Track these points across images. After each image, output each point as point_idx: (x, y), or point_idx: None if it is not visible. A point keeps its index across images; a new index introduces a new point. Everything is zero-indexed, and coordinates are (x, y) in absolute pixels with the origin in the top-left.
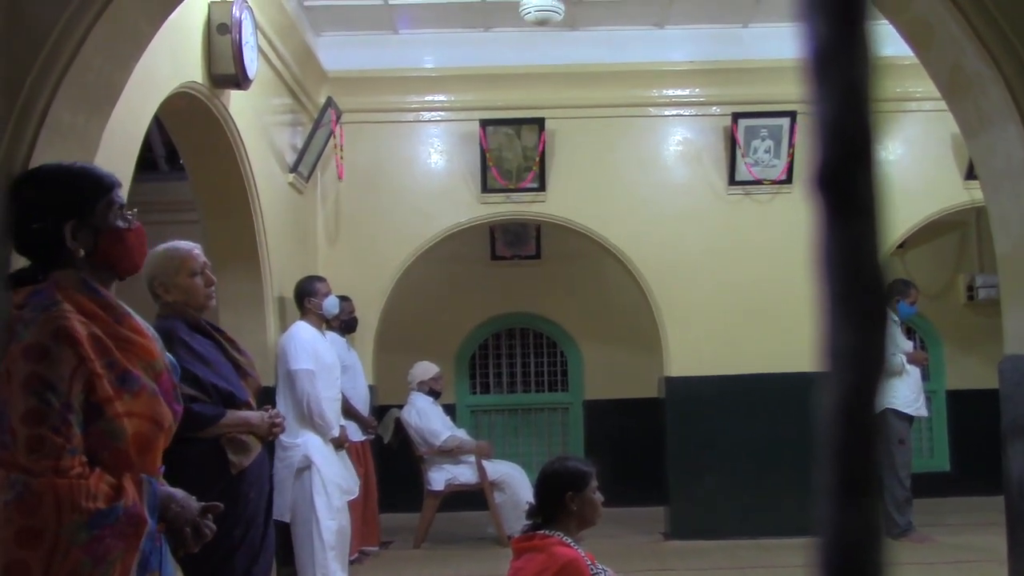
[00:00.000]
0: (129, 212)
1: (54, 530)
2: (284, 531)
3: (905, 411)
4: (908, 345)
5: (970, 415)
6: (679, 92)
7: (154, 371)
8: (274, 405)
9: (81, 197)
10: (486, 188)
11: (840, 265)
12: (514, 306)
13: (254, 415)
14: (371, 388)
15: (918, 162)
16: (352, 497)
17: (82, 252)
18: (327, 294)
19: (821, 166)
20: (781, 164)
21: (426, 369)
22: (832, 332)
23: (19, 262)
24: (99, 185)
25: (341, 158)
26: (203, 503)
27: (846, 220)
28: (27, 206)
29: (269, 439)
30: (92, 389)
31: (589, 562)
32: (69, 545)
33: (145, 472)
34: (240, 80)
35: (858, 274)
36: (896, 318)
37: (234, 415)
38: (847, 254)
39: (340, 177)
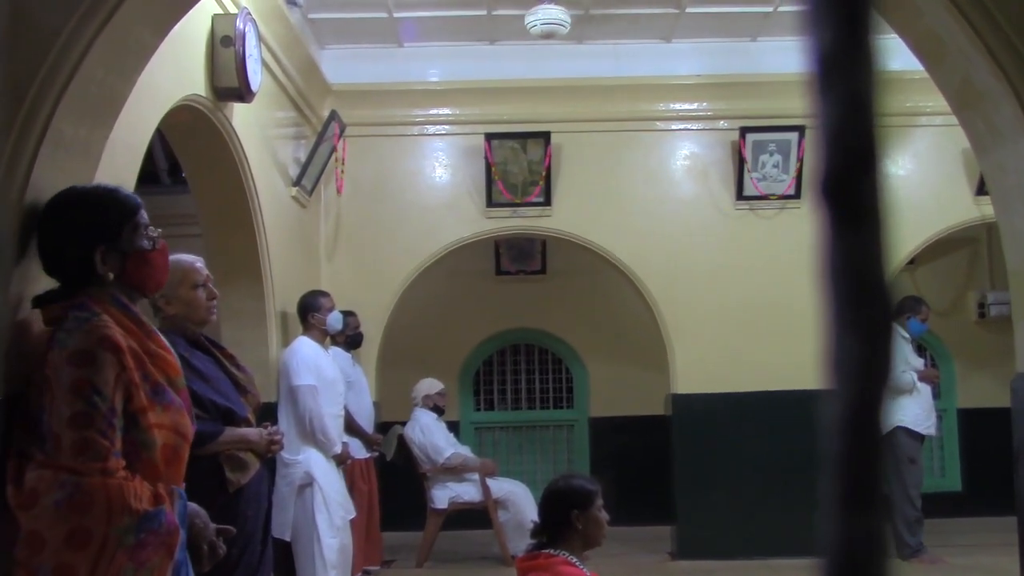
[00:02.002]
0: (153, 230)
1: (104, 531)
2: (285, 549)
3: (916, 429)
4: (919, 363)
5: (981, 434)
6: (686, 106)
7: (176, 388)
8: (276, 421)
9: (109, 223)
10: (491, 202)
11: (844, 275)
12: (519, 322)
13: (252, 432)
14: (375, 404)
15: (928, 177)
16: (349, 517)
17: (111, 276)
18: (331, 309)
19: (825, 176)
20: (789, 179)
21: (430, 385)
22: (837, 342)
23: (33, 278)
24: (125, 209)
25: (342, 172)
26: (217, 526)
27: (851, 229)
28: (56, 232)
29: (268, 456)
30: (129, 398)
31: None
32: (116, 548)
33: (172, 484)
34: (243, 93)
35: (863, 284)
36: (907, 335)
37: (232, 432)
38: (852, 264)
39: (339, 192)
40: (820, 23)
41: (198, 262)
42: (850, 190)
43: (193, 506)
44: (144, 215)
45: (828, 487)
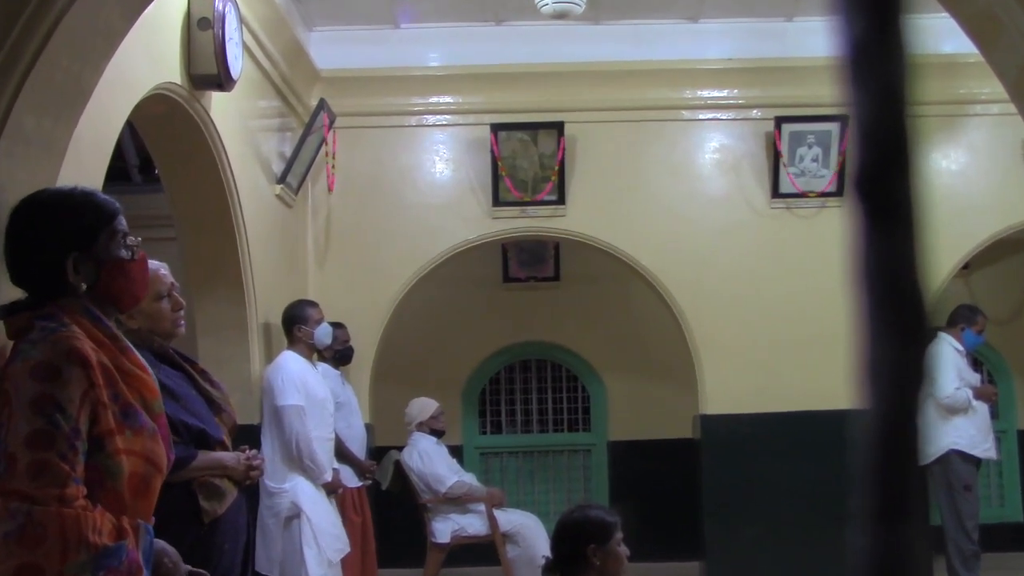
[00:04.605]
0: (132, 238)
1: (57, 568)
2: None
3: (971, 453)
4: (975, 379)
5: None
6: (715, 93)
7: (153, 412)
8: (258, 445)
9: (83, 228)
10: (498, 201)
11: (878, 276)
12: (529, 335)
13: (229, 456)
14: (368, 427)
15: (984, 172)
16: (344, 552)
17: (84, 286)
18: (319, 321)
19: (857, 171)
20: (829, 174)
21: (424, 406)
22: (870, 348)
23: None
24: (101, 213)
25: (333, 168)
26: (190, 568)
27: (884, 227)
28: (26, 238)
29: (246, 483)
30: (96, 419)
31: None
32: None
33: (139, 518)
34: (223, 80)
35: (897, 285)
36: (961, 348)
37: (207, 456)
38: (885, 264)
39: (330, 189)
40: (849, 8)
41: (161, 269)
42: (883, 186)
43: (162, 543)
44: (123, 222)
45: (861, 500)
